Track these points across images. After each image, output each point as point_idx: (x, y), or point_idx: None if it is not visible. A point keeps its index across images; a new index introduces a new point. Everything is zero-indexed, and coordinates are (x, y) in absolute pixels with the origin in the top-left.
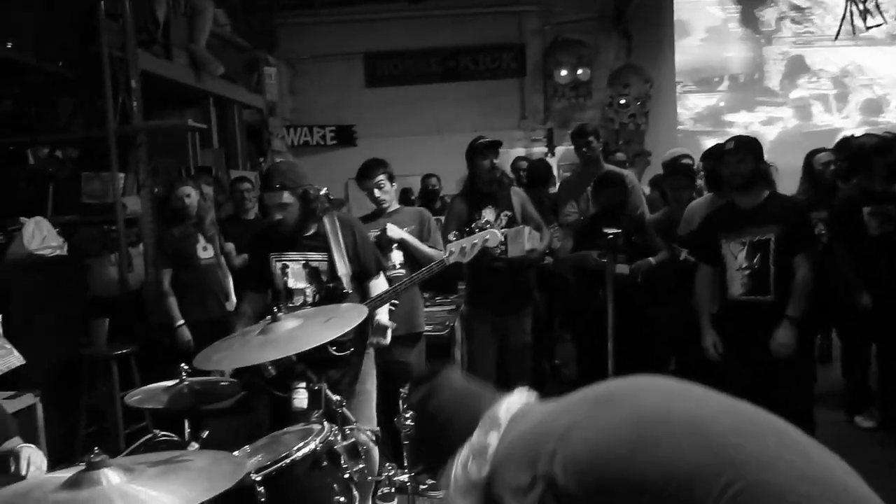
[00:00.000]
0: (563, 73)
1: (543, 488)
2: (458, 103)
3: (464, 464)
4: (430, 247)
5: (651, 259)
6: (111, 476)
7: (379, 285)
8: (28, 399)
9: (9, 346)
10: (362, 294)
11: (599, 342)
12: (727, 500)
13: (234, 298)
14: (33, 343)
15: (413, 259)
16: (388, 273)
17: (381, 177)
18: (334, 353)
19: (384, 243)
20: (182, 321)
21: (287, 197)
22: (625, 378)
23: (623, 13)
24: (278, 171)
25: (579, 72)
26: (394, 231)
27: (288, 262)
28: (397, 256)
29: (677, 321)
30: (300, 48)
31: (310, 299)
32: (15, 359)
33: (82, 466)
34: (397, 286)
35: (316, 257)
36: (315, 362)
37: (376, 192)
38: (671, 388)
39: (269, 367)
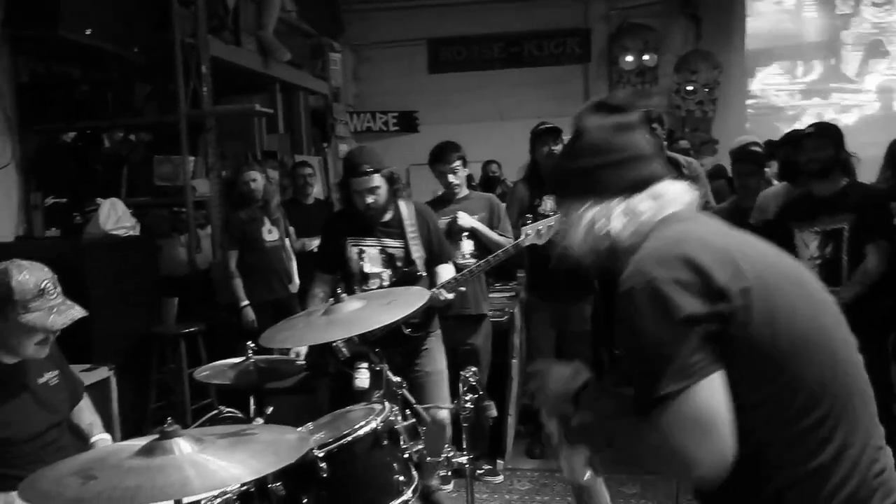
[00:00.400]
0: (629, 58)
1: (739, 306)
2: (520, 89)
3: (609, 216)
4: (500, 234)
5: None
6: (183, 445)
7: (448, 270)
8: (103, 372)
9: (70, 301)
10: (431, 279)
11: None
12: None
13: (297, 280)
14: (108, 318)
15: (483, 247)
16: (457, 262)
17: (457, 162)
18: (409, 334)
19: (454, 231)
20: (247, 302)
21: (378, 180)
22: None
23: None
24: (366, 154)
25: (645, 57)
26: (465, 219)
27: (364, 248)
28: (468, 246)
29: None
30: (364, 34)
31: (385, 283)
32: (77, 311)
33: (156, 436)
34: (471, 268)
35: (392, 244)
36: (386, 343)
37: (450, 177)
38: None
39: (343, 349)
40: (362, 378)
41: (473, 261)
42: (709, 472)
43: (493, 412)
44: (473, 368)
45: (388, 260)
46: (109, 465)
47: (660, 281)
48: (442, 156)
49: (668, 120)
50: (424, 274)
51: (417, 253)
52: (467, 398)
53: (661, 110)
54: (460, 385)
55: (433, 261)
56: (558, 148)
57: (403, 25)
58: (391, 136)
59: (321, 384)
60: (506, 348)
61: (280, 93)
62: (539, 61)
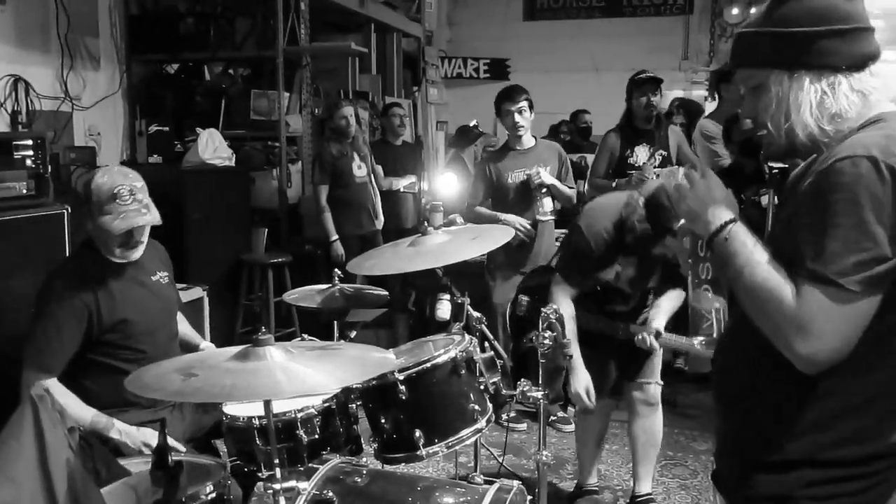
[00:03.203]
0: (735, 11)
1: None
2: (617, 40)
3: (835, 93)
4: (568, 186)
5: None
6: (275, 353)
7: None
8: (197, 292)
9: (147, 209)
10: None
11: None
12: None
13: (381, 217)
14: (203, 243)
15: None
16: (539, 218)
17: (524, 102)
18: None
19: (533, 187)
20: (336, 236)
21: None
22: None
23: None
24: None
25: (753, 10)
26: (546, 177)
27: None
28: (548, 203)
29: None
30: None
31: None
32: (141, 219)
33: (249, 344)
34: None
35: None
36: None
37: (516, 117)
38: None
39: (523, 304)
40: (443, 309)
41: (552, 218)
42: (820, 358)
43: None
44: (555, 306)
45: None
46: (208, 366)
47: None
48: (510, 94)
49: None
50: None
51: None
52: (546, 335)
53: None
54: (540, 321)
55: None
56: (657, 99)
57: None
58: (481, 83)
59: (399, 319)
60: None
61: (374, 33)
62: (638, 11)
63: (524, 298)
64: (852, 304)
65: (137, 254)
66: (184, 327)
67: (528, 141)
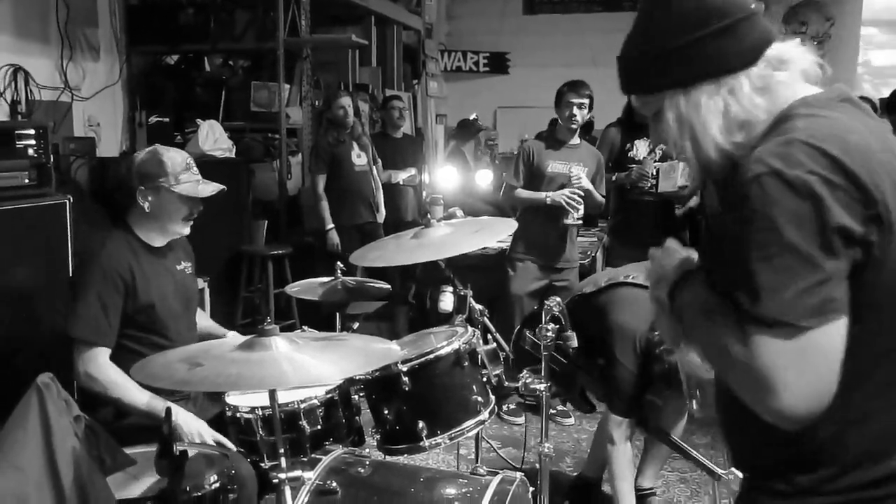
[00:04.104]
0: None
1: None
2: (617, 35)
3: (739, 97)
4: (600, 194)
5: None
6: (279, 343)
7: None
8: (199, 283)
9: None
10: None
11: None
12: None
13: (383, 210)
14: (204, 234)
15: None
16: (567, 222)
17: (587, 99)
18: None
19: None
20: (332, 225)
21: None
22: None
23: None
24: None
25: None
26: (586, 182)
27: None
28: (580, 210)
29: None
30: None
31: None
32: (217, 185)
33: (255, 334)
34: None
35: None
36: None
37: (575, 110)
38: None
39: (528, 338)
40: (446, 301)
41: (580, 222)
42: (797, 412)
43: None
44: (557, 299)
45: None
46: (214, 356)
47: (809, 171)
48: (575, 87)
49: None
50: None
51: None
52: (549, 328)
53: None
54: (543, 314)
55: None
56: None
57: None
58: (481, 76)
59: (400, 312)
60: None
61: (374, 26)
62: (639, 6)
63: (528, 333)
64: (811, 340)
65: (188, 229)
66: (205, 321)
67: (575, 138)
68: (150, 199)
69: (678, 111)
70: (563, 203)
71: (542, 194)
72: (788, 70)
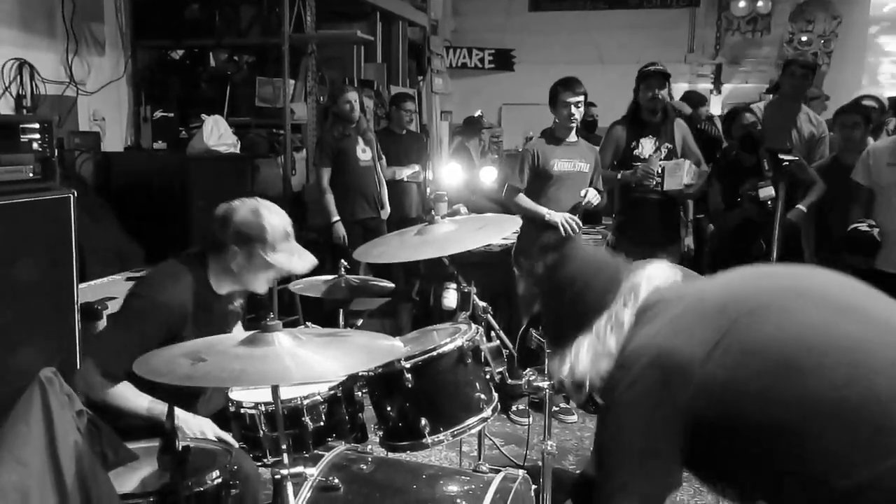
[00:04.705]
0: (742, 4)
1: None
2: (622, 32)
3: (600, 334)
4: (598, 190)
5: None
6: (283, 339)
7: None
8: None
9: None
10: None
11: None
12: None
13: (388, 207)
14: (208, 230)
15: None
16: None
17: (582, 96)
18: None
19: (581, 207)
20: (338, 218)
21: None
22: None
23: None
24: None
25: (759, 4)
26: (594, 198)
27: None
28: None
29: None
30: None
31: None
32: (312, 259)
33: (258, 330)
34: None
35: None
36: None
37: (572, 108)
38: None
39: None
40: (450, 298)
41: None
42: None
43: None
44: None
45: None
46: (217, 351)
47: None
48: (569, 84)
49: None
50: None
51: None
52: (539, 328)
53: (771, 61)
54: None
55: None
56: (664, 93)
57: None
58: (486, 73)
59: (403, 309)
60: None
61: (380, 22)
62: (645, 3)
63: (535, 333)
64: None
65: (266, 289)
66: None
67: (574, 135)
68: (238, 259)
69: (576, 356)
70: (559, 226)
71: (543, 210)
72: (638, 294)
